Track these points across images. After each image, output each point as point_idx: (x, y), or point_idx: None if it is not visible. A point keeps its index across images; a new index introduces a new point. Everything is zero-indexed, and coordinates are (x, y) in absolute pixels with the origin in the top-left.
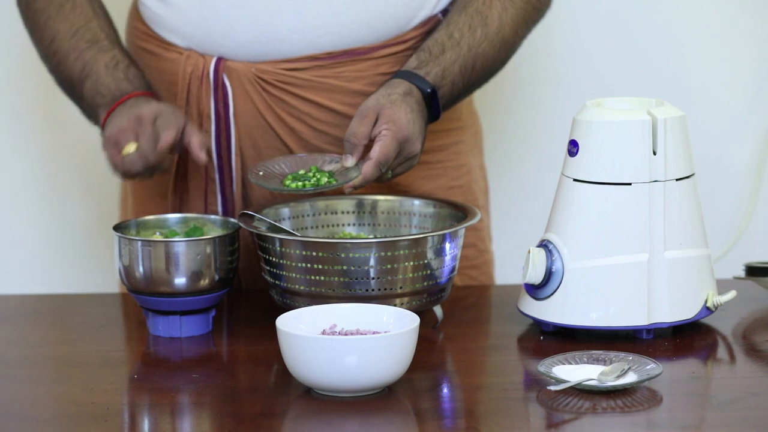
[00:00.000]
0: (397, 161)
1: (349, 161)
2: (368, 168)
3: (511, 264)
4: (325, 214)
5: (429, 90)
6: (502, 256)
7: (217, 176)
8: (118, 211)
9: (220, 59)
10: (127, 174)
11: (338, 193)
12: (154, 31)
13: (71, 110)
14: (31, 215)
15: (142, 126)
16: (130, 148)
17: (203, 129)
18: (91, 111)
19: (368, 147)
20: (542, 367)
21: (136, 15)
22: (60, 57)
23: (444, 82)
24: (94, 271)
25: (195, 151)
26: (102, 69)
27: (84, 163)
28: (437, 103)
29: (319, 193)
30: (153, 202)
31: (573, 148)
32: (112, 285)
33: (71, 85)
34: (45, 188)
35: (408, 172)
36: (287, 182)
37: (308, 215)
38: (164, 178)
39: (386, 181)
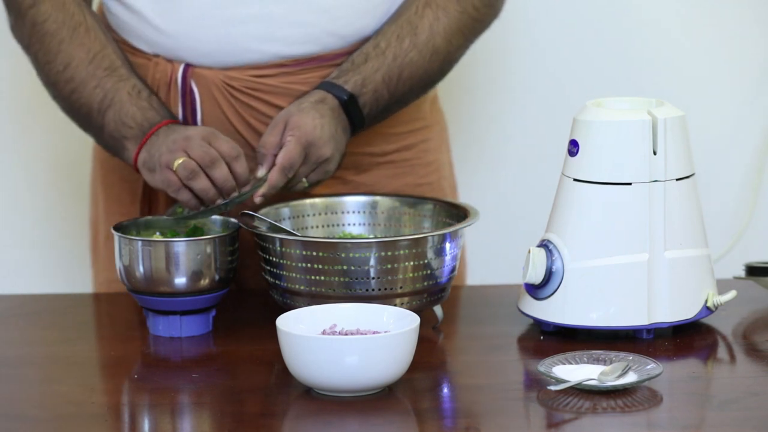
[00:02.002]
0: (307, 167)
1: (260, 172)
2: (273, 174)
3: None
4: (325, 214)
5: (345, 97)
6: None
7: None
8: (89, 214)
9: (188, 66)
10: (189, 188)
11: (250, 205)
12: (122, 36)
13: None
14: (31, 215)
15: (190, 142)
16: (180, 160)
17: None
18: (113, 142)
19: None
20: (542, 367)
21: (104, 21)
22: (76, 84)
23: (365, 90)
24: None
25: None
26: (125, 98)
27: (82, 163)
28: (359, 111)
29: (225, 212)
30: (123, 206)
31: (573, 148)
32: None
33: (89, 114)
34: (44, 188)
35: (375, 171)
36: (180, 209)
37: (308, 215)
38: (134, 184)
39: (304, 190)
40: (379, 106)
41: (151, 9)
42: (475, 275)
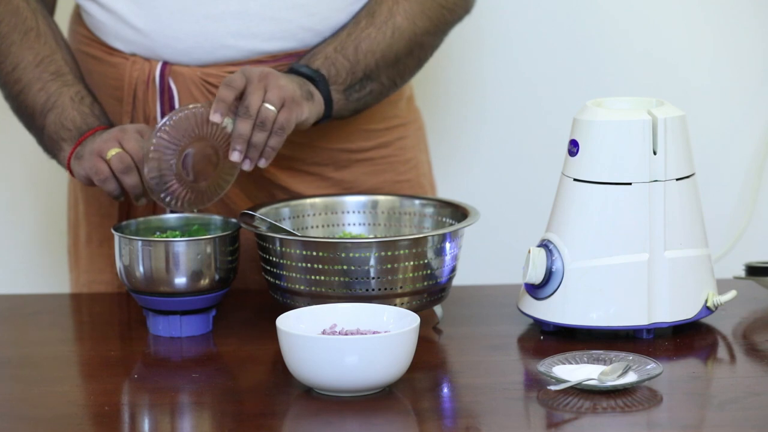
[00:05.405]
0: (254, 85)
1: (235, 155)
2: (220, 90)
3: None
4: (325, 213)
5: (290, 64)
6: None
7: None
8: (66, 215)
9: (165, 63)
10: (116, 176)
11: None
12: (98, 36)
13: None
14: (31, 215)
15: (125, 133)
16: (114, 151)
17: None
18: (51, 143)
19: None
20: (542, 367)
21: (78, 20)
22: (22, 86)
23: (314, 58)
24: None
25: None
26: (67, 102)
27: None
28: (314, 71)
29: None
30: (102, 207)
31: (573, 147)
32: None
33: (32, 115)
34: (45, 188)
35: (354, 168)
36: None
37: (308, 215)
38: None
39: (279, 131)
40: (340, 72)
41: (127, 8)
42: (476, 275)
